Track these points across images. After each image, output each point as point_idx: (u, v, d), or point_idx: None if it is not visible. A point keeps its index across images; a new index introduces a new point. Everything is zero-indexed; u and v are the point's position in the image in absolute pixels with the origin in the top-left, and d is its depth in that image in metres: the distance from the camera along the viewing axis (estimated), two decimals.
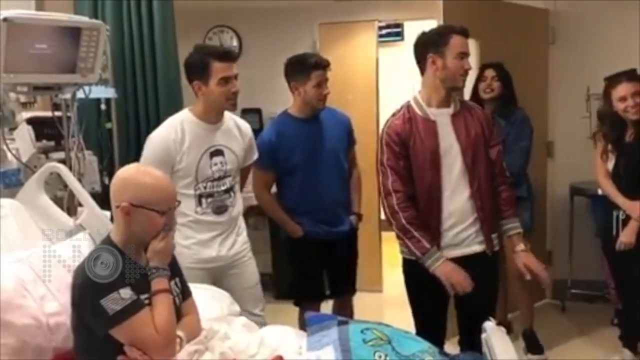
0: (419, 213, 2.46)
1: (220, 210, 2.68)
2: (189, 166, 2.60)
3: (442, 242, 2.46)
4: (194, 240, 2.64)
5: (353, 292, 3.28)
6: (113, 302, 1.68)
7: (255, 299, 2.82)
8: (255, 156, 2.92)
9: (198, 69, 2.59)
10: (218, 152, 2.66)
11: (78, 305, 1.74)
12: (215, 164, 2.64)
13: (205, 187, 2.63)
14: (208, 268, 2.66)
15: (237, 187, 2.77)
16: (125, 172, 1.86)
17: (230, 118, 2.79)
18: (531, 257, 2.50)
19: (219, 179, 2.66)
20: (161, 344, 1.74)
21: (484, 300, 2.46)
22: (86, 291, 1.70)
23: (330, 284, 3.23)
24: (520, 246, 2.52)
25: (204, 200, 2.65)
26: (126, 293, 1.71)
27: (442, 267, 2.37)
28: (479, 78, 3.60)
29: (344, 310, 3.15)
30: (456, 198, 2.45)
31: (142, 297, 1.77)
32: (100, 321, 1.70)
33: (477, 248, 2.48)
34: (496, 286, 2.52)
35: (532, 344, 3.58)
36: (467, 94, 3.47)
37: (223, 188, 2.67)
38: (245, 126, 2.85)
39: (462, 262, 2.44)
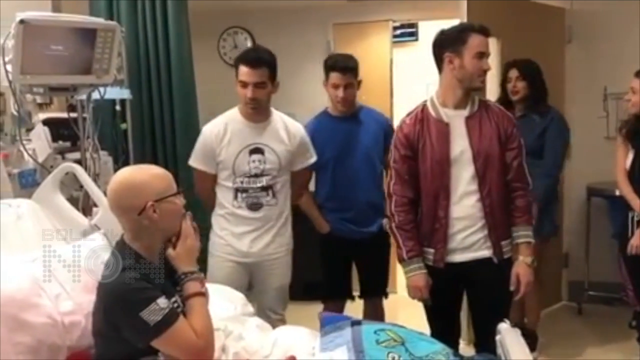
0: (421, 217, 2.45)
1: (254, 206, 2.74)
2: (227, 159, 2.71)
3: (450, 245, 2.42)
4: (227, 231, 2.77)
5: (383, 294, 3.24)
6: (153, 314, 1.66)
7: (283, 299, 2.90)
8: (311, 160, 2.93)
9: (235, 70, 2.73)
10: (257, 150, 2.72)
11: (113, 321, 1.71)
12: (254, 161, 2.71)
13: (242, 182, 2.72)
14: (238, 262, 2.76)
15: (279, 187, 2.77)
16: (124, 180, 1.80)
17: (280, 119, 2.83)
18: (526, 271, 2.41)
19: (256, 175, 2.72)
20: (202, 347, 1.74)
21: (494, 305, 2.43)
22: (123, 306, 1.68)
23: (360, 284, 3.24)
24: (523, 258, 2.42)
25: (239, 195, 2.73)
26: (163, 302, 1.69)
27: (412, 279, 2.44)
28: (505, 79, 3.54)
29: (374, 312, 3.16)
30: (464, 202, 2.40)
31: (172, 301, 1.76)
32: (142, 334, 1.68)
33: (485, 253, 2.43)
34: (507, 291, 2.43)
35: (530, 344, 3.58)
36: (489, 93, 3.44)
37: (259, 185, 2.72)
38: (296, 129, 2.85)
39: (470, 266, 2.42)
